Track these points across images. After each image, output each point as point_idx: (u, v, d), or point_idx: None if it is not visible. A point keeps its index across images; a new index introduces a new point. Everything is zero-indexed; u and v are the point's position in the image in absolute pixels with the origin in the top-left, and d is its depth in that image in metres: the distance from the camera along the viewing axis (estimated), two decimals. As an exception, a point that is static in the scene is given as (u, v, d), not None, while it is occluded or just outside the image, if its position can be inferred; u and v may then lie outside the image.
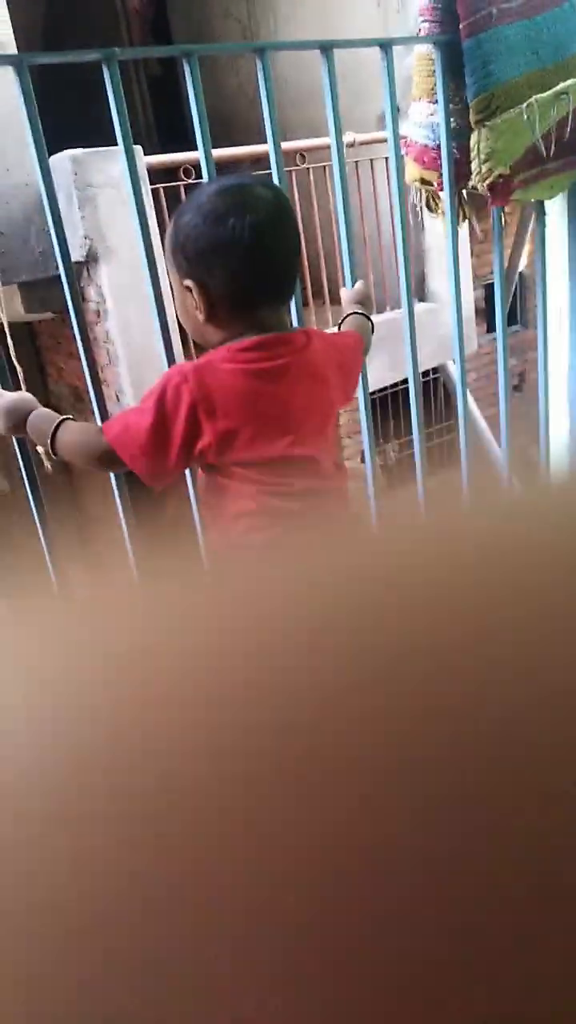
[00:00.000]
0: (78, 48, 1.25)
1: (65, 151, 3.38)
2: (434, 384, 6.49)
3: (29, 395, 1.08)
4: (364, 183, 4.19)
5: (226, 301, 0.96)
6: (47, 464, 1.11)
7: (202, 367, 0.97)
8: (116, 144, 1.22)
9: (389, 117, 1.48)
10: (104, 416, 1.26)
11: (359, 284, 1.38)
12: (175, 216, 0.98)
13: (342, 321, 1.28)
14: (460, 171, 1.56)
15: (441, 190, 1.61)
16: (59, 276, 1.25)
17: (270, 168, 1.36)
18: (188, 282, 0.96)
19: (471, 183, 1.56)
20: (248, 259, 0.94)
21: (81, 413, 4.74)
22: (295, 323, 1.30)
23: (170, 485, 1.04)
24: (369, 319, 1.30)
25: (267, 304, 0.98)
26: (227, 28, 5.88)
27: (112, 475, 1.32)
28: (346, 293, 1.37)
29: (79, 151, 3.39)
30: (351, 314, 1.29)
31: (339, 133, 1.41)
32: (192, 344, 3.96)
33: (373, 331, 1.29)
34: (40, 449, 1.07)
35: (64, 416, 1.03)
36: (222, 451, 0.97)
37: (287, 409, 0.98)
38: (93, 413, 1.30)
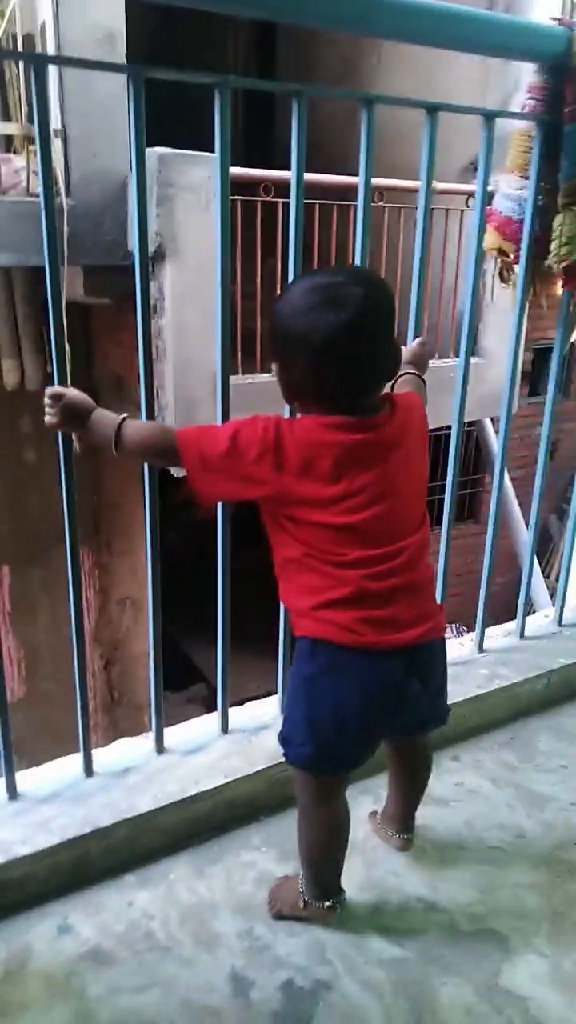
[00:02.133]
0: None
1: (153, 148, 3.42)
2: (466, 436, 6.49)
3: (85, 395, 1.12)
4: (435, 230, 4.21)
5: (303, 390, 1.03)
6: (77, 446, 1.23)
7: (285, 423, 1.03)
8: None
9: (480, 187, 1.50)
10: (150, 406, 1.28)
11: (416, 344, 1.38)
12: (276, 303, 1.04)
13: (398, 378, 1.29)
14: (538, 248, 1.57)
15: (516, 263, 1.62)
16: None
17: (354, 201, 1.37)
18: (274, 364, 1.05)
19: (547, 262, 1.57)
20: (322, 359, 0.99)
21: (119, 401, 4.77)
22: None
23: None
24: (423, 381, 1.31)
25: (348, 397, 1.02)
26: (330, 57, 5.95)
27: (146, 468, 1.32)
28: (404, 352, 1.37)
29: (166, 151, 3.43)
30: (407, 374, 1.29)
31: (428, 199, 1.42)
32: (239, 356, 3.98)
33: (423, 389, 1.31)
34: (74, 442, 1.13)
35: (124, 415, 1.09)
36: (283, 505, 1.02)
37: (358, 481, 1.01)
38: (140, 403, 1.29)
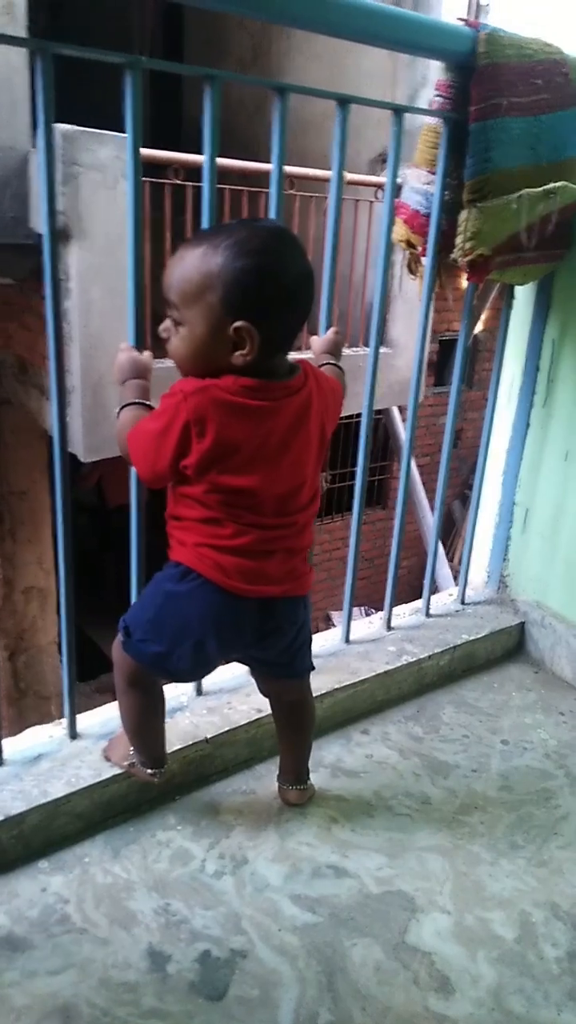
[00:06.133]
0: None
1: (55, 124, 3.32)
2: (375, 425, 6.63)
3: (147, 363, 1.19)
4: (345, 221, 4.27)
5: (270, 346, 1.01)
6: None
7: (204, 389, 1.01)
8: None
9: (390, 181, 1.54)
10: (61, 390, 1.25)
11: (331, 334, 1.41)
12: (224, 257, 0.96)
13: (320, 367, 1.30)
14: (445, 242, 1.63)
15: (424, 255, 1.68)
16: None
17: (265, 187, 1.38)
18: (240, 323, 0.97)
19: (452, 255, 1.63)
20: (300, 309, 1.03)
21: (23, 385, 4.61)
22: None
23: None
24: (341, 369, 1.34)
25: (278, 357, 1.06)
26: (239, 40, 5.91)
27: (57, 461, 1.30)
28: (317, 342, 1.40)
29: (71, 128, 3.34)
30: (325, 364, 1.32)
31: (340, 188, 1.45)
32: (149, 340, 3.92)
33: (343, 377, 1.35)
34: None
35: (130, 402, 1.13)
36: (201, 472, 1.04)
37: (268, 448, 1.05)
38: (45, 388, 1.28)
